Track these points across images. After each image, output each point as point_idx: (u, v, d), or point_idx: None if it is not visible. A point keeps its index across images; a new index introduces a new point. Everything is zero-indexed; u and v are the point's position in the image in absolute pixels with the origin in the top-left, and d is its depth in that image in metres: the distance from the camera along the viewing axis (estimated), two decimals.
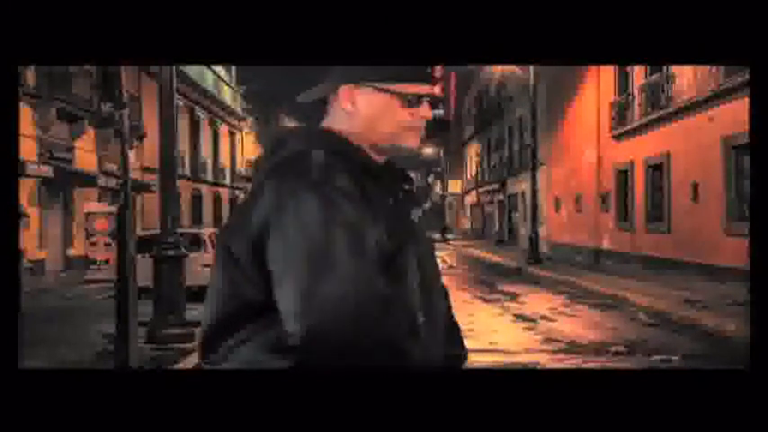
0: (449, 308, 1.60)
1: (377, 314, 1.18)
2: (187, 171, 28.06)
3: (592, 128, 21.13)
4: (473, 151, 44.70)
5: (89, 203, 16.94)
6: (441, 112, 53.54)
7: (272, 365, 1.24)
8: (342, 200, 1.22)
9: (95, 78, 17.19)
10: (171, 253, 7.37)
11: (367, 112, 1.36)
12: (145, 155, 22.15)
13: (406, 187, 1.44)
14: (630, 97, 18.28)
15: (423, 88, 1.37)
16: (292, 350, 1.18)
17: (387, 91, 1.35)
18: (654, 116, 16.60)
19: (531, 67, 20.29)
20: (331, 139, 1.35)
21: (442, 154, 53.76)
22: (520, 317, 9.88)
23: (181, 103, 24.61)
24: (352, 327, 1.15)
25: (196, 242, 12.19)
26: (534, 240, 19.85)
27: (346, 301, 1.16)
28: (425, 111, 1.38)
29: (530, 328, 8.86)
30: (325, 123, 1.40)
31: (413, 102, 1.36)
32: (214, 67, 31.58)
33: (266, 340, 1.24)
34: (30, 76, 15.69)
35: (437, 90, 1.40)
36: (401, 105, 1.36)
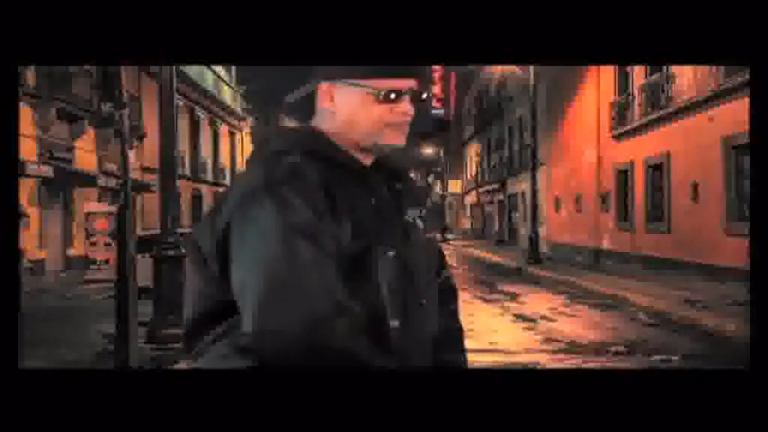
0: (453, 312, 1.57)
1: (325, 317, 1.16)
2: (187, 171, 28.06)
3: (592, 128, 21.13)
4: (473, 151, 44.71)
5: (89, 203, 16.92)
6: (441, 111, 53.60)
7: (235, 364, 1.24)
8: (299, 202, 1.22)
9: (95, 78, 17.21)
10: (171, 253, 7.37)
11: (345, 109, 1.35)
12: (145, 155, 22.15)
13: (399, 186, 1.42)
14: (630, 97, 18.28)
15: (398, 83, 1.33)
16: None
17: (360, 87, 1.33)
18: (654, 116, 16.60)
19: (531, 67, 20.29)
20: (311, 139, 1.36)
21: (441, 154, 53.76)
22: (520, 317, 9.88)
23: (181, 103, 24.61)
24: (299, 330, 1.15)
25: None
26: (534, 240, 19.85)
27: (293, 304, 1.16)
28: (405, 107, 1.34)
29: (530, 328, 8.86)
30: (313, 123, 1.40)
31: (390, 98, 1.32)
32: (214, 67, 31.58)
33: (236, 338, 1.25)
34: (30, 76, 15.69)
35: (416, 85, 1.35)
36: (377, 101, 1.32)
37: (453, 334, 1.55)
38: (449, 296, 1.58)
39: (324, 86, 1.36)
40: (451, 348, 1.52)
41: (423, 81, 1.39)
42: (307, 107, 1.40)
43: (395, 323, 1.31)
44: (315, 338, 1.16)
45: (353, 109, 1.34)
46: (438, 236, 38.87)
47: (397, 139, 1.36)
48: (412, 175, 1.56)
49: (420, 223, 1.44)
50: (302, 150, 1.32)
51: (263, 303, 1.17)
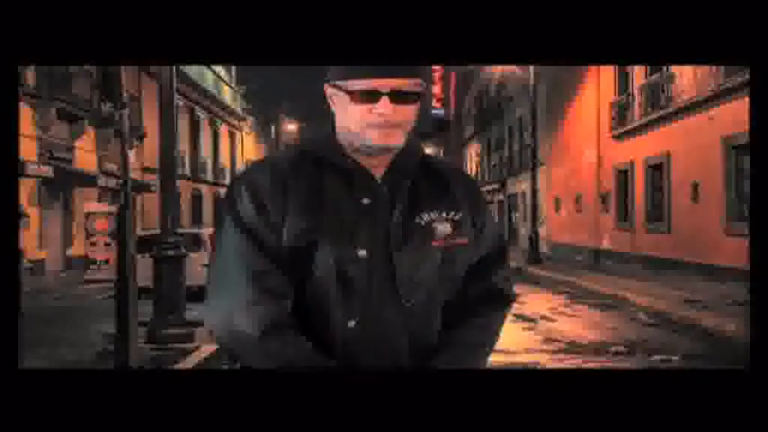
0: (480, 325, 1.47)
1: (236, 309, 1.31)
2: (187, 171, 28.06)
3: (592, 128, 21.13)
4: (473, 151, 44.70)
5: (89, 203, 16.92)
6: (441, 111, 53.55)
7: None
8: (246, 193, 1.36)
9: (95, 78, 17.22)
10: (171, 253, 7.37)
11: (337, 111, 1.41)
12: (145, 155, 22.15)
13: (382, 191, 1.40)
14: (630, 97, 18.28)
15: (374, 83, 1.33)
16: None
17: (339, 88, 1.36)
18: (654, 116, 16.60)
19: (531, 67, 20.29)
20: (315, 139, 1.47)
21: (441, 154, 53.75)
22: (520, 317, 9.88)
23: (181, 103, 24.61)
24: (218, 321, 1.33)
25: (196, 242, 12.22)
26: (534, 240, 19.84)
27: (217, 296, 1.35)
28: (383, 106, 1.33)
29: (530, 328, 8.86)
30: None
31: (365, 98, 1.33)
32: (214, 67, 31.59)
33: None
34: (30, 76, 15.68)
35: (404, 84, 1.34)
36: (354, 102, 1.34)
37: (463, 347, 1.44)
38: (485, 304, 1.49)
39: (326, 89, 1.41)
40: (452, 360, 1.41)
41: (423, 79, 1.38)
42: (317, 108, 1.47)
43: (351, 323, 1.34)
44: (227, 330, 1.31)
45: (340, 110, 1.39)
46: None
47: (377, 138, 1.35)
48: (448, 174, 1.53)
49: (440, 227, 1.42)
50: (301, 148, 1.44)
51: (207, 290, 1.38)
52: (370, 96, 1.33)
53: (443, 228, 1.42)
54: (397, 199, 1.40)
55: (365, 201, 1.38)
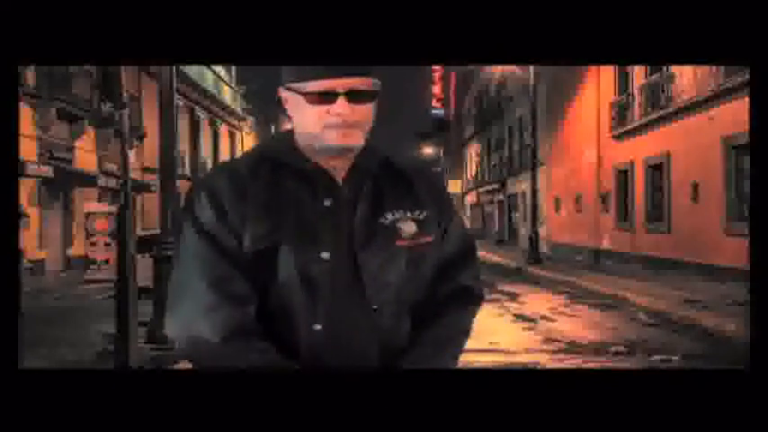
0: (448, 322, 1.45)
1: (194, 317, 1.31)
2: (187, 171, 28.05)
3: (592, 128, 21.13)
4: (473, 151, 44.70)
5: (89, 203, 16.93)
6: (441, 111, 53.55)
7: None
8: (206, 199, 1.35)
9: (95, 78, 17.22)
10: (171, 253, 7.36)
11: (293, 114, 1.39)
12: (145, 155, 22.14)
13: (344, 192, 1.39)
14: (630, 97, 18.28)
15: (328, 83, 1.31)
16: None
17: (293, 91, 1.35)
18: (654, 116, 16.60)
19: (531, 67, 20.29)
20: (273, 142, 1.49)
21: (441, 154, 53.76)
22: (520, 317, 9.88)
23: (181, 103, 24.61)
24: (177, 328, 1.35)
25: None
26: (534, 240, 19.84)
27: (175, 302, 1.35)
28: (340, 107, 1.32)
29: (530, 328, 8.86)
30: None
31: (322, 99, 1.32)
32: (214, 67, 31.57)
33: None
34: (30, 76, 15.68)
35: (352, 83, 1.32)
36: (310, 103, 1.33)
37: (430, 346, 1.41)
38: (452, 303, 1.47)
39: (279, 92, 1.40)
40: (417, 360, 1.38)
41: (377, 77, 1.36)
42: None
43: (317, 326, 1.33)
44: (186, 337, 1.32)
45: (296, 113, 1.38)
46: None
47: (336, 139, 1.34)
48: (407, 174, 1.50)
49: (405, 227, 1.40)
50: (260, 153, 1.44)
51: (168, 299, 1.39)
52: (327, 97, 1.32)
53: (408, 227, 1.40)
54: (360, 199, 1.39)
55: (327, 203, 1.37)
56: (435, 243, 1.44)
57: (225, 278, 1.31)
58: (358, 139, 1.36)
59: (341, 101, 1.32)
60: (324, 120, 1.33)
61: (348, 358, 1.34)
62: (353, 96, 1.32)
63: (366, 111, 1.36)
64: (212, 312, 1.29)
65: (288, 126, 1.47)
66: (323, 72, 1.31)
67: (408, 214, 1.41)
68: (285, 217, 1.34)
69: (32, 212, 15.93)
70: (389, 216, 1.40)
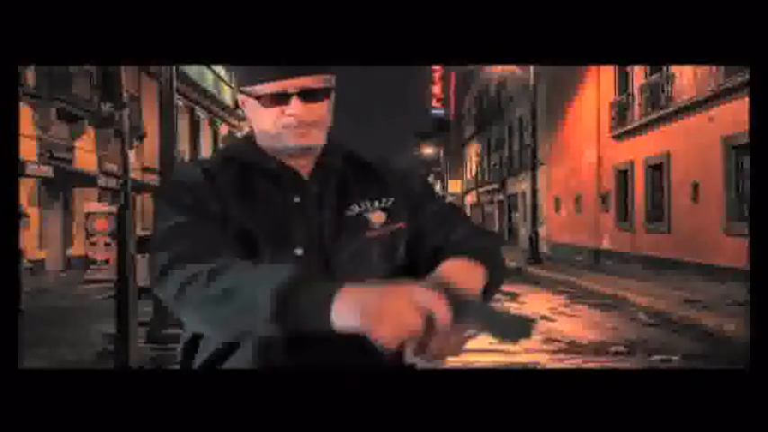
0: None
1: (163, 268, 1.24)
2: None
3: (592, 128, 21.14)
4: (473, 151, 44.71)
5: (89, 203, 16.91)
6: (441, 111, 53.56)
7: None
8: (183, 187, 1.35)
9: (95, 78, 17.24)
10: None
11: (251, 117, 1.39)
12: (145, 155, 22.14)
13: (312, 188, 1.38)
14: (630, 97, 18.28)
15: (280, 85, 1.30)
16: None
17: (247, 94, 1.35)
18: (654, 116, 16.61)
19: (531, 67, 20.30)
20: (236, 144, 1.48)
21: (441, 154, 53.76)
22: None
23: (181, 103, 24.60)
24: (155, 279, 1.27)
25: None
26: (534, 240, 19.85)
27: (156, 253, 1.28)
28: (294, 107, 1.31)
29: None
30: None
31: (275, 100, 1.31)
32: (214, 67, 31.56)
33: None
34: (30, 76, 15.69)
35: (304, 82, 1.31)
36: (264, 106, 1.33)
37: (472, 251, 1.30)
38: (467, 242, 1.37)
39: (238, 95, 1.40)
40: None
41: (331, 73, 1.35)
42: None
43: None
44: (157, 285, 1.26)
45: (253, 115, 1.38)
46: None
47: (296, 140, 1.33)
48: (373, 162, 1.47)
49: (372, 217, 1.39)
50: (224, 155, 1.44)
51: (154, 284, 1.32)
52: (280, 99, 1.31)
53: (376, 217, 1.39)
54: (326, 195, 1.38)
55: (296, 199, 1.36)
56: (410, 227, 1.41)
57: (211, 245, 1.26)
58: (317, 138, 1.36)
59: (294, 101, 1.31)
60: (280, 121, 1.32)
61: (330, 353, 1.30)
62: (307, 96, 1.31)
63: (322, 109, 1.34)
64: (173, 267, 1.23)
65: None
66: (273, 73, 1.30)
67: (375, 204, 1.40)
68: (256, 216, 1.34)
69: (32, 212, 15.94)
70: (356, 208, 1.39)
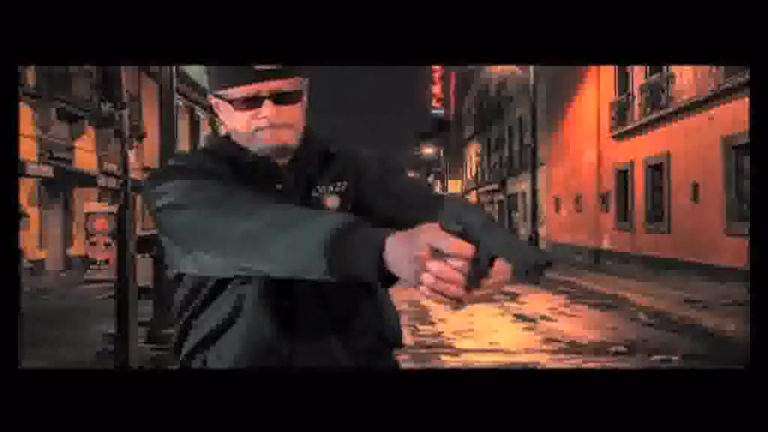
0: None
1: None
2: None
3: (592, 128, 21.14)
4: (473, 151, 44.72)
5: (89, 203, 16.91)
6: (441, 111, 53.56)
7: None
8: (184, 168, 1.35)
9: (95, 78, 17.22)
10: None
11: (225, 120, 1.40)
12: (145, 155, 22.15)
13: (290, 178, 1.40)
14: (630, 97, 18.28)
15: (252, 88, 1.31)
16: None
17: (221, 98, 1.36)
18: (654, 116, 16.61)
19: (531, 67, 20.29)
20: (214, 143, 1.47)
21: (442, 154, 53.77)
22: (520, 317, 9.88)
23: (181, 103, 24.61)
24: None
25: None
26: (534, 240, 19.84)
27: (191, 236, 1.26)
28: (267, 110, 1.32)
29: (530, 328, 8.86)
30: None
31: (248, 104, 1.33)
32: None
33: None
34: (30, 76, 15.69)
35: (276, 85, 1.32)
36: (237, 109, 1.34)
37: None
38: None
39: (210, 99, 1.41)
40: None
41: (303, 75, 1.37)
42: None
43: (285, 303, 1.34)
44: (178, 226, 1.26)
45: (227, 119, 1.39)
46: None
47: (274, 139, 1.34)
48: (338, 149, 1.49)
49: (328, 201, 1.40)
50: (204, 152, 1.45)
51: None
52: (252, 102, 1.32)
53: (331, 200, 1.41)
54: (300, 185, 1.41)
55: (278, 186, 1.39)
56: (365, 205, 1.41)
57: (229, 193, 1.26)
58: (290, 139, 1.37)
59: (267, 104, 1.32)
60: (253, 123, 1.34)
61: (316, 334, 1.34)
62: (279, 98, 1.33)
63: (294, 111, 1.36)
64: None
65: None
66: (245, 77, 1.31)
67: (331, 188, 1.42)
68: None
69: (32, 212, 15.94)
70: (314, 193, 1.41)
